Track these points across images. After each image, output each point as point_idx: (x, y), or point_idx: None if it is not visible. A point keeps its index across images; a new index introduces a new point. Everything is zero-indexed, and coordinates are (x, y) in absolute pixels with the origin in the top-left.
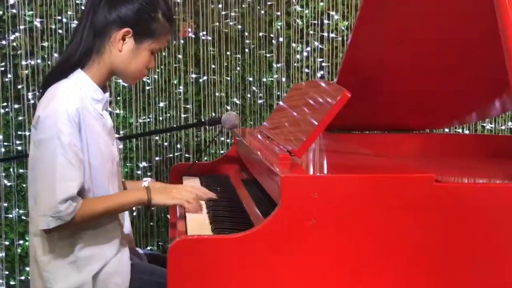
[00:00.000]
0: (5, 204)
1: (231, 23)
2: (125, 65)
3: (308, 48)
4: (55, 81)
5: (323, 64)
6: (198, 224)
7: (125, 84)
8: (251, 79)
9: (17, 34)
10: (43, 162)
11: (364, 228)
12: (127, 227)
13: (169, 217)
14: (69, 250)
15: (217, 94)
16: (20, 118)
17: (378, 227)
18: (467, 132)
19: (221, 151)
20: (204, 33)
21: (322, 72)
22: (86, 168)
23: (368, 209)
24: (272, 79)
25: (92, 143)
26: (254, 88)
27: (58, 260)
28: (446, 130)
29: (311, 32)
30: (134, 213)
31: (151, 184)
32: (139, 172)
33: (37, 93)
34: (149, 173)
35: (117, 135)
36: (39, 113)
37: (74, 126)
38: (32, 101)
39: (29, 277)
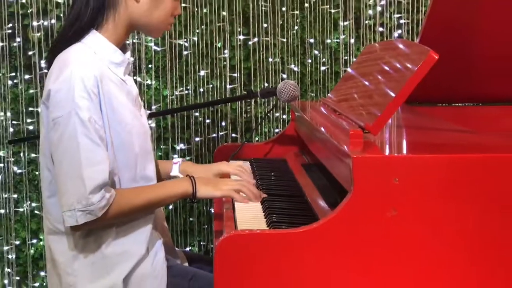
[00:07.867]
0: (15, 196)
1: None
2: (146, 18)
3: (383, 2)
4: (64, 47)
5: (401, 21)
6: (250, 216)
7: (158, 49)
8: (312, 40)
9: None
10: (62, 146)
11: (457, 221)
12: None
13: (212, 211)
14: (94, 248)
15: (270, 59)
16: (31, 91)
17: (475, 220)
18: None
19: (276, 130)
20: None
21: (400, 31)
22: (110, 149)
23: (463, 198)
24: (338, 40)
25: (115, 117)
26: (316, 52)
27: (81, 260)
28: None
29: None
30: (170, 206)
31: (183, 166)
32: (175, 156)
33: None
34: (188, 157)
35: (148, 111)
36: (49, 87)
37: (94, 99)
38: (45, 71)
39: (44, 283)
